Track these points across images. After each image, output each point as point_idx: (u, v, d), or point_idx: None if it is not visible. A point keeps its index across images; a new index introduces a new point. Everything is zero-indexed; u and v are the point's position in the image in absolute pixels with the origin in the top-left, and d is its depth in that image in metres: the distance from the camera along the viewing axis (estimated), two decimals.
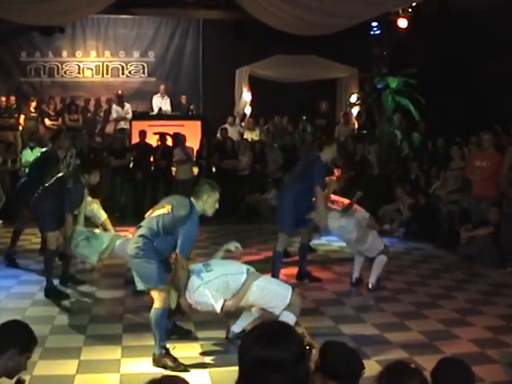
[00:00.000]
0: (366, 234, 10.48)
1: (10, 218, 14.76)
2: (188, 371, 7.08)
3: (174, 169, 17.72)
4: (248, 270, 7.48)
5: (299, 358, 2.79)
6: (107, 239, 10.33)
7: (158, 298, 7.21)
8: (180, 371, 6.90)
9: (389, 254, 10.70)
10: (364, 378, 4.28)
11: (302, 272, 11.17)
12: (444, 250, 13.48)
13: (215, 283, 7.22)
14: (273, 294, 7.27)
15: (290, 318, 6.91)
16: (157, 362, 7.22)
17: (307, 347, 3.23)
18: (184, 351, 7.61)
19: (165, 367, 7.12)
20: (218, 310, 7.26)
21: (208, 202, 7.36)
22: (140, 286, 7.39)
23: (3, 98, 19.69)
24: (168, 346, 7.32)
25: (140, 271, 7.30)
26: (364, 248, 10.50)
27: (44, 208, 10.20)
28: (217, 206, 7.45)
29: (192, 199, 7.39)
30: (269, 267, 10.21)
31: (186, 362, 7.26)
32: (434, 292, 10.48)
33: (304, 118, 20.63)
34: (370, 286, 10.49)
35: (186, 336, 8.07)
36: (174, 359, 7.23)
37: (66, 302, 9.67)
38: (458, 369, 4.25)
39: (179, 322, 8.20)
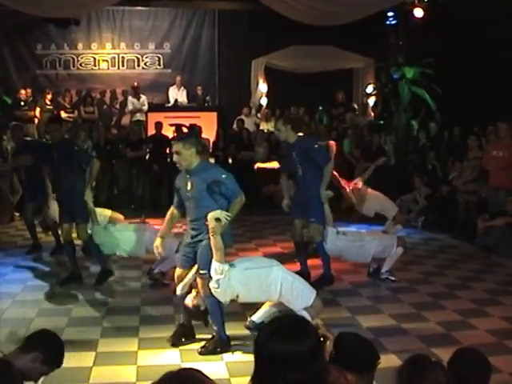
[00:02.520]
0: (368, 242, 10.38)
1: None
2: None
3: None
4: (277, 264, 7.48)
5: (316, 352, 2.77)
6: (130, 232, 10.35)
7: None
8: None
9: (405, 245, 10.65)
10: (382, 369, 4.27)
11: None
12: (461, 240, 13.43)
13: (246, 274, 7.20)
14: (298, 292, 7.26)
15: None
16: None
17: (322, 338, 3.21)
18: (201, 342, 7.64)
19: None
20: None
21: (194, 152, 7.40)
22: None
23: (22, 91, 19.79)
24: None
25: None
26: (380, 254, 10.42)
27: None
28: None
29: (186, 154, 7.40)
30: (284, 259, 10.15)
31: (204, 355, 7.31)
32: (451, 282, 10.45)
33: (320, 108, 20.59)
34: (381, 276, 10.46)
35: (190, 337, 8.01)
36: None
37: (82, 295, 9.69)
38: (475, 359, 4.24)
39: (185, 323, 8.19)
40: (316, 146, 10.12)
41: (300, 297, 7.23)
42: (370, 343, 4.31)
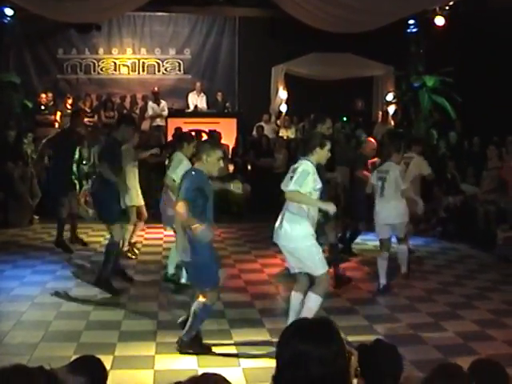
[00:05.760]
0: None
1: (45, 214, 14.94)
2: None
3: None
4: None
5: (338, 352, 2.77)
6: None
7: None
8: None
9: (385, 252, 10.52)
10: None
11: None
12: (480, 250, 13.36)
13: None
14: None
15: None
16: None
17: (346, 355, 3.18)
18: (218, 349, 7.66)
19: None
20: None
21: (209, 162, 7.34)
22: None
23: (43, 95, 19.91)
24: None
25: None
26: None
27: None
28: (220, 164, 7.44)
29: (196, 165, 7.54)
30: None
31: (220, 361, 7.31)
32: (469, 292, 10.39)
33: (345, 119, 20.53)
34: (380, 286, 10.35)
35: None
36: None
37: (100, 298, 9.72)
38: (493, 370, 4.21)
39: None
40: None
41: None
42: (399, 358, 4.25)
